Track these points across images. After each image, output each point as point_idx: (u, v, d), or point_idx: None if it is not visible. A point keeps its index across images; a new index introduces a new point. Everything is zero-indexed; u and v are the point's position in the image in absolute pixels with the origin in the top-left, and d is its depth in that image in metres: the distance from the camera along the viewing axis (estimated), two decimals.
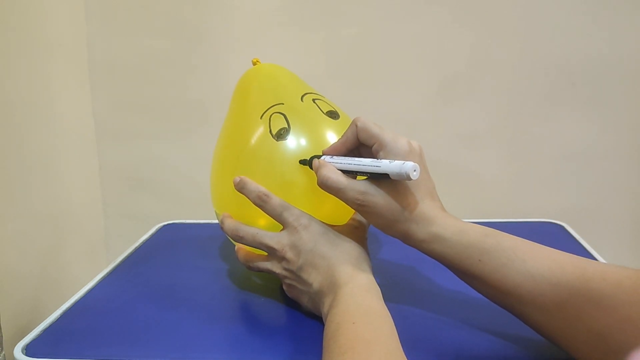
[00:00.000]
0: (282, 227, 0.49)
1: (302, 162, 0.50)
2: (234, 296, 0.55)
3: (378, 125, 0.47)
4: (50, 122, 0.77)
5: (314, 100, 0.55)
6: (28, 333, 0.47)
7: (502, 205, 0.91)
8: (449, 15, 0.85)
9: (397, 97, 0.88)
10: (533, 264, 0.39)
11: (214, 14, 0.87)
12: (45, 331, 0.47)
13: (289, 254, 0.47)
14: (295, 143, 0.51)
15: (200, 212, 0.79)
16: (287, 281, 0.49)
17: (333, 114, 0.54)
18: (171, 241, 0.71)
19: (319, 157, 0.49)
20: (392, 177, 0.43)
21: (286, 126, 0.51)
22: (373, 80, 0.88)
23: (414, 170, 0.41)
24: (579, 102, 0.87)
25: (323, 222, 0.49)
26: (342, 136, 0.49)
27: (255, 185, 0.49)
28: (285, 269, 0.48)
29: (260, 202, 0.49)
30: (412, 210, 0.44)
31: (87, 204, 0.91)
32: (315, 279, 0.45)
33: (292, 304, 0.50)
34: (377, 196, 0.44)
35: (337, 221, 0.51)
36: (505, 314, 0.43)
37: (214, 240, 0.68)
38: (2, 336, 0.57)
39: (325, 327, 0.40)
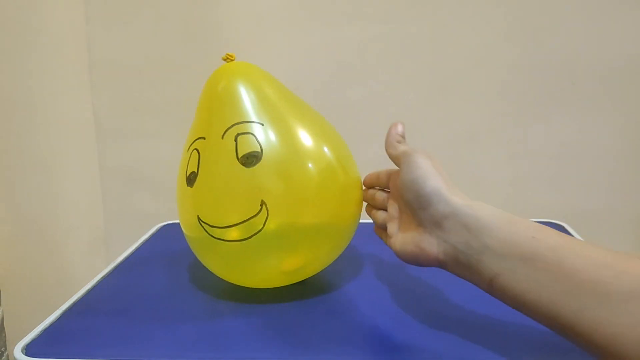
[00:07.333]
0: None
1: None
2: (233, 297, 0.55)
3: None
4: (50, 122, 0.77)
5: (237, 136, 0.45)
6: (28, 333, 0.47)
7: (502, 206, 0.89)
8: (449, 15, 0.85)
9: (397, 96, 0.88)
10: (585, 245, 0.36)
11: (214, 14, 0.87)
12: (45, 331, 0.47)
13: None
14: (195, 190, 0.50)
15: None
16: None
17: (249, 159, 0.45)
18: (171, 241, 0.70)
19: None
20: None
21: (195, 170, 0.49)
22: (373, 79, 0.88)
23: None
24: (579, 101, 0.87)
25: None
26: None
27: None
28: None
29: None
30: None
31: (87, 204, 0.91)
32: None
33: (292, 304, 0.50)
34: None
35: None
36: (509, 315, 0.43)
37: None
38: (5, 336, 0.57)
39: None
